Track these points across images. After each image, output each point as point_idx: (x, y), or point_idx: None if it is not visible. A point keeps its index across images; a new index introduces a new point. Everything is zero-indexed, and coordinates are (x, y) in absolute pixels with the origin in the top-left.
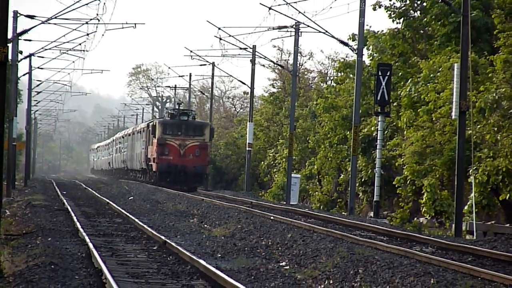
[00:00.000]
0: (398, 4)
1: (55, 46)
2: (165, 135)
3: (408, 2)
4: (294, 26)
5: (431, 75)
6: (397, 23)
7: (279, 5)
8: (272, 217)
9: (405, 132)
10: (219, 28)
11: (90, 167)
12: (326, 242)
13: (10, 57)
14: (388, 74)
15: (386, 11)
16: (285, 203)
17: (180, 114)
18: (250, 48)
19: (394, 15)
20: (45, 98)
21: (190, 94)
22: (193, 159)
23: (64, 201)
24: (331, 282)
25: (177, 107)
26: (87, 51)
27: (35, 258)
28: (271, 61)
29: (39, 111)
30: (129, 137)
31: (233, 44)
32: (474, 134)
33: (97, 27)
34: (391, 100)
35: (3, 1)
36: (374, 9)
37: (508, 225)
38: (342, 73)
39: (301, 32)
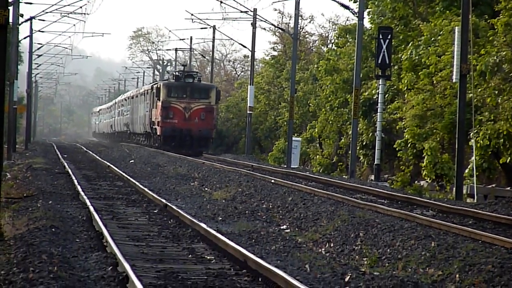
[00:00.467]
0: None
1: (56, 9)
2: (169, 98)
3: None
4: None
5: (432, 38)
6: None
7: None
8: (273, 180)
9: (405, 96)
10: None
11: (92, 130)
12: (327, 205)
13: (10, 20)
14: (389, 37)
15: None
16: (286, 166)
17: (185, 76)
18: (251, 11)
19: None
20: (46, 61)
21: (191, 57)
22: (199, 123)
23: (65, 164)
24: (332, 245)
25: (181, 68)
26: (88, 14)
27: (35, 221)
28: (272, 24)
29: (40, 74)
30: (132, 99)
31: (234, 7)
32: (475, 97)
33: None
34: (392, 64)
35: None
36: None
37: (508, 188)
38: (342, 38)
39: None
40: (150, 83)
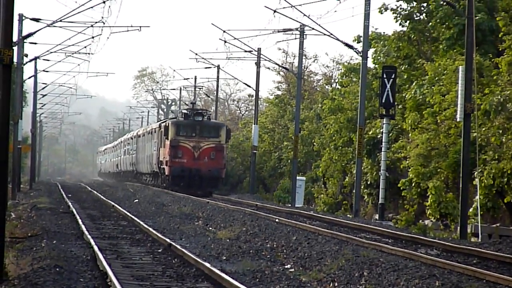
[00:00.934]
0: (404, 6)
1: (60, 49)
2: (178, 137)
3: (414, 4)
4: (299, 29)
5: (436, 78)
6: (402, 26)
7: (284, 8)
8: (277, 220)
9: (410, 135)
10: (224, 31)
11: (97, 169)
12: (331, 244)
13: (15, 60)
14: (393, 76)
15: (393, 13)
16: (290, 205)
17: (195, 114)
18: (255, 50)
19: (400, 17)
20: (50, 101)
21: (196, 96)
22: (208, 162)
23: (69, 203)
24: (336, 284)
25: (190, 106)
26: (92, 54)
27: (40, 261)
28: (276, 63)
29: (44, 113)
30: (139, 138)
31: (238, 47)
32: (479, 136)
33: (102, 30)
34: (396, 103)
35: (8, 3)
36: (381, 12)
37: None
38: (346, 77)
39: (306, 34)
40: (158, 121)
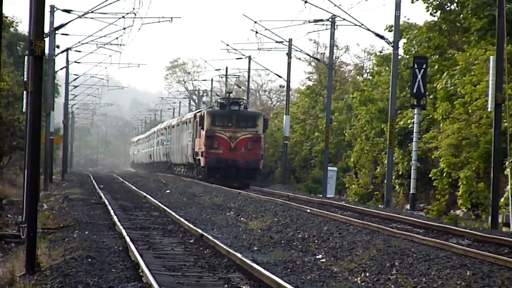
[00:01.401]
0: None
1: (92, 40)
2: (214, 127)
3: None
4: (330, 19)
5: (467, 68)
6: (433, 16)
7: None
8: (308, 210)
9: (441, 125)
10: (255, 22)
11: (130, 160)
12: (363, 234)
13: (47, 51)
14: (424, 66)
15: (424, 3)
16: (321, 196)
17: (231, 104)
18: (286, 41)
19: (431, 7)
20: (82, 92)
21: (227, 86)
22: (245, 153)
23: (101, 194)
24: (367, 274)
25: (226, 96)
26: (123, 45)
27: (72, 252)
28: (307, 54)
29: (76, 105)
30: (173, 128)
31: (269, 38)
32: (510, 126)
33: (133, 21)
34: (427, 93)
35: None
36: (412, 1)
37: None
38: (380, 67)
39: (337, 25)
40: (193, 111)
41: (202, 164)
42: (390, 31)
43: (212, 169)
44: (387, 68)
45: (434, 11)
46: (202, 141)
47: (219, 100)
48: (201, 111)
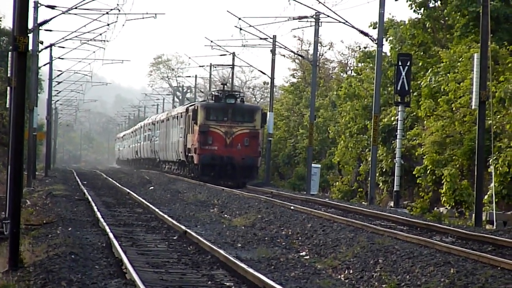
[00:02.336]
0: None
1: (76, 36)
2: (208, 121)
3: None
4: (314, 16)
5: (451, 65)
6: (417, 13)
7: None
8: (292, 207)
9: (425, 122)
10: (240, 18)
11: (116, 157)
12: (346, 232)
13: (30, 47)
14: (408, 64)
15: (407, 1)
16: (305, 193)
17: (226, 97)
18: (271, 38)
19: (415, 5)
20: (65, 88)
21: (211, 83)
22: (242, 150)
23: (85, 191)
24: (351, 271)
25: (221, 88)
26: (107, 41)
27: (55, 248)
28: (292, 51)
29: (59, 101)
30: (162, 123)
31: (253, 34)
32: (494, 124)
33: (117, 17)
34: (411, 90)
35: None
36: None
37: None
38: (363, 64)
39: (321, 22)
40: (185, 105)
41: (195, 162)
42: (375, 28)
43: (206, 166)
44: (370, 65)
45: (418, 8)
46: (195, 137)
47: (213, 93)
48: (194, 104)
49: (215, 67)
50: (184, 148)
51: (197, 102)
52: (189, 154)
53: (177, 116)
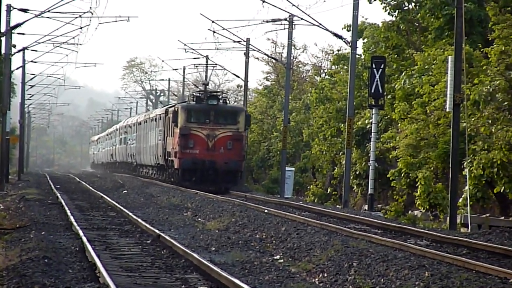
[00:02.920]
0: None
1: (49, 40)
2: (189, 124)
3: None
4: (288, 19)
5: (426, 68)
6: (391, 15)
7: None
8: (266, 211)
9: (399, 125)
10: (213, 21)
11: (90, 161)
12: (320, 235)
13: (3, 50)
14: (382, 66)
15: (381, 3)
16: (279, 196)
17: (208, 97)
18: (244, 41)
19: (389, 7)
20: (38, 91)
21: (184, 87)
22: (225, 153)
23: (58, 195)
24: (325, 275)
25: (202, 88)
26: (80, 44)
27: (28, 252)
28: (265, 54)
29: (32, 104)
30: (139, 126)
31: (226, 37)
32: (469, 126)
33: (90, 20)
34: (385, 93)
35: None
36: (370, 1)
37: (502, 217)
38: (337, 66)
39: (294, 25)
40: (164, 106)
41: (175, 166)
42: (349, 31)
43: (187, 171)
44: (344, 67)
45: (392, 11)
46: (175, 140)
47: (194, 94)
48: (174, 105)
49: (196, 66)
50: (164, 151)
51: (178, 103)
52: (169, 158)
53: (156, 118)
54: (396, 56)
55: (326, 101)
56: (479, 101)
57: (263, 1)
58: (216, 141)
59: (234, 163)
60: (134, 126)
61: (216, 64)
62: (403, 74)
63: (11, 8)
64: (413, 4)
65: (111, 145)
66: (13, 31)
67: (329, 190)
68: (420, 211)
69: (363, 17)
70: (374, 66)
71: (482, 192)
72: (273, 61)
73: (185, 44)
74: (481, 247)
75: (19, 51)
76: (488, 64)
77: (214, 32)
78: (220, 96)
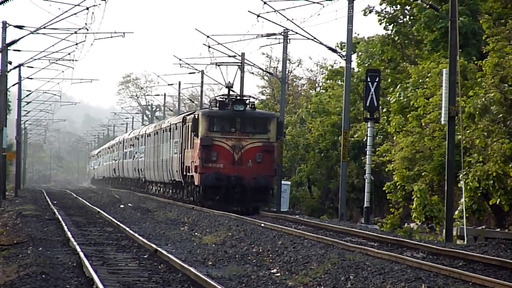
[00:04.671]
0: (388, 9)
1: (44, 56)
2: (212, 133)
3: (398, 8)
4: (282, 33)
5: (420, 81)
6: (387, 29)
7: (267, 12)
8: (262, 224)
9: (394, 138)
10: (208, 36)
11: (90, 176)
12: (317, 248)
13: None
14: (377, 80)
15: (377, 16)
16: (275, 210)
17: (233, 102)
18: (239, 55)
19: (385, 20)
20: (34, 108)
21: (180, 102)
22: (254, 168)
23: (55, 210)
24: None
25: (226, 92)
26: (76, 60)
27: (26, 268)
28: (260, 68)
29: (29, 121)
30: (148, 138)
31: (222, 52)
32: (464, 139)
33: (86, 36)
34: (380, 106)
35: None
36: (365, 14)
37: (498, 229)
38: (331, 81)
39: (289, 39)
40: (180, 113)
41: (196, 183)
42: (342, 48)
43: (209, 189)
44: (339, 82)
45: (388, 24)
46: (195, 152)
47: (217, 98)
48: (193, 112)
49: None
50: (181, 166)
51: (198, 110)
52: (188, 174)
53: (170, 128)
54: (391, 69)
55: (323, 113)
56: (474, 113)
57: (258, 16)
58: (243, 153)
59: (264, 179)
60: (142, 138)
61: (204, 84)
62: (398, 87)
63: (7, 25)
64: (408, 17)
65: (113, 159)
66: (9, 47)
67: (327, 204)
68: (416, 224)
69: (355, 32)
70: (369, 79)
71: (478, 204)
72: (268, 75)
73: (180, 59)
74: (478, 259)
75: (15, 67)
76: (483, 77)
77: (209, 47)
78: (248, 101)
